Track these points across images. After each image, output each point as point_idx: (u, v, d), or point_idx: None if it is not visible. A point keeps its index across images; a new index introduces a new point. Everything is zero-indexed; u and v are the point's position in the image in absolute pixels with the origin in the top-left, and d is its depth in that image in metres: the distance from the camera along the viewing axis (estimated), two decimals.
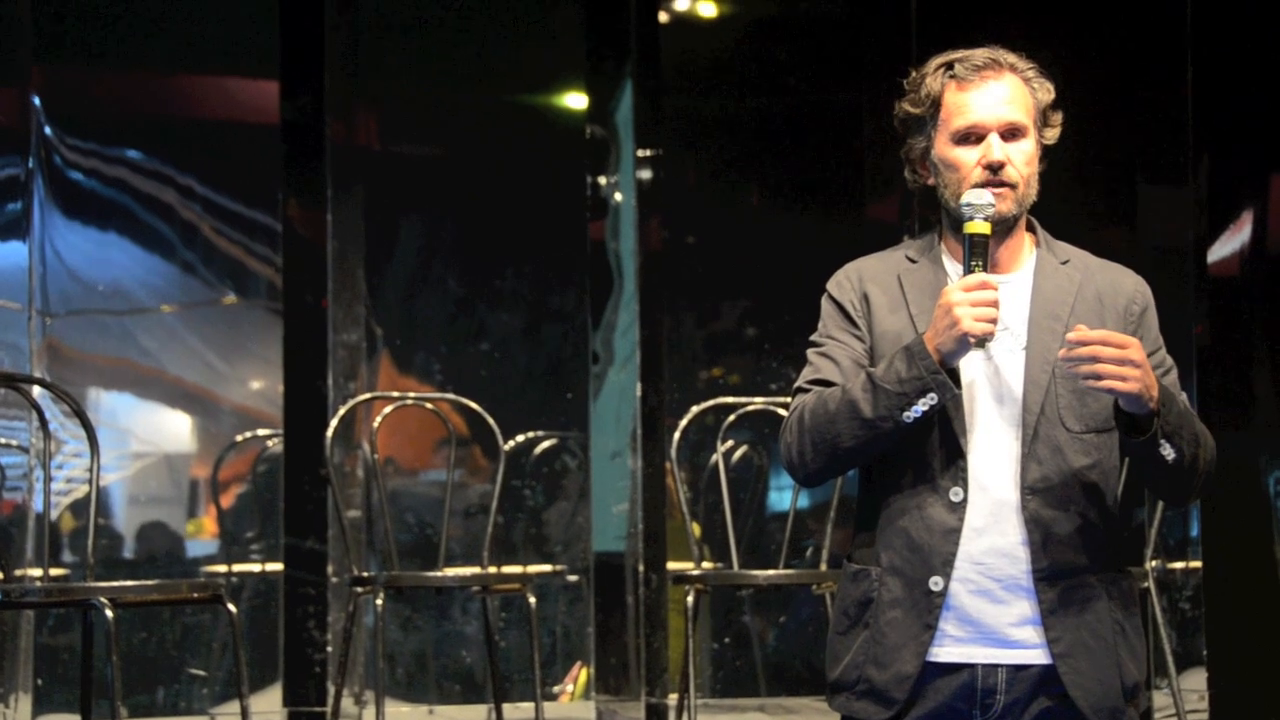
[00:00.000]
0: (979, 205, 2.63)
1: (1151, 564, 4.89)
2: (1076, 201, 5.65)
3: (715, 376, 5.96)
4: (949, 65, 2.73)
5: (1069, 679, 2.62)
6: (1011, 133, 2.69)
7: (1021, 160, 2.70)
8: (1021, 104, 2.71)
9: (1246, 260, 5.76)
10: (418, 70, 5.94)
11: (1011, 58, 2.74)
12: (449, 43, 5.97)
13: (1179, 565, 5.74)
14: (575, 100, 5.99)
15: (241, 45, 5.77)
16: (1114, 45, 5.89)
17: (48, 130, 5.49)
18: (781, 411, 4.85)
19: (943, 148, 2.72)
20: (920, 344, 2.58)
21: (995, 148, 2.68)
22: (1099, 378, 2.51)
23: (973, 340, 2.56)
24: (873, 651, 2.67)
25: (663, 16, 5.99)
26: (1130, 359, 2.50)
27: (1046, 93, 2.75)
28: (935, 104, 2.72)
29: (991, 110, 2.69)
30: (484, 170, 5.89)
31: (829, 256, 3.04)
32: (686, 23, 6.09)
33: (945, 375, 2.57)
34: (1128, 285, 2.78)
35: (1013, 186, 2.69)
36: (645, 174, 5.96)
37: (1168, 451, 2.58)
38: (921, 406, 2.58)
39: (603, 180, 5.97)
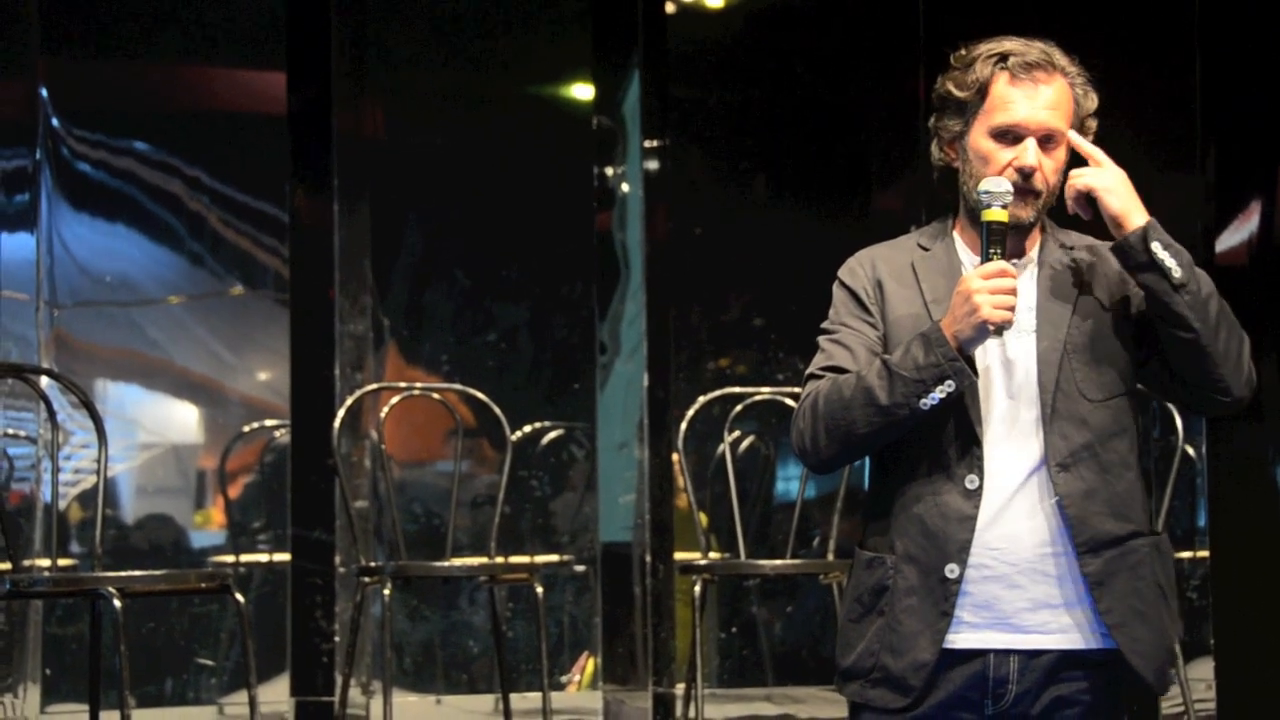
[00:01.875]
0: (997, 193, 2.63)
1: None
2: None
3: (722, 367, 5.96)
4: (1003, 56, 2.70)
5: (1127, 647, 2.62)
6: (1048, 139, 2.69)
7: (1051, 169, 2.70)
8: (1065, 111, 2.70)
9: (1254, 249, 5.75)
10: (424, 61, 5.94)
11: (1064, 60, 2.72)
12: (455, 33, 5.96)
13: (1186, 555, 5.75)
14: (582, 91, 5.99)
15: (248, 36, 5.77)
16: (1123, 32, 5.88)
17: (55, 122, 5.49)
18: (789, 402, 4.85)
19: (978, 138, 2.71)
20: (938, 331, 2.58)
21: (1030, 152, 2.67)
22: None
23: (991, 328, 2.56)
24: (888, 639, 2.66)
25: (669, 6, 5.98)
26: (1101, 164, 2.65)
27: (1091, 101, 2.74)
28: (981, 92, 2.70)
29: (1035, 114, 2.68)
30: (491, 161, 5.88)
31: (836, 247, 3.03)
32: (693, 13, 6.09)
33: (963, 362, 2.57)
34: None
35: (1037, 195, 2.69)
36: (652, 164, 5.95)
37: (1176, 275, 2.58)
38: (939, 394, 2.57)
39: (610, 171, 5.96)
